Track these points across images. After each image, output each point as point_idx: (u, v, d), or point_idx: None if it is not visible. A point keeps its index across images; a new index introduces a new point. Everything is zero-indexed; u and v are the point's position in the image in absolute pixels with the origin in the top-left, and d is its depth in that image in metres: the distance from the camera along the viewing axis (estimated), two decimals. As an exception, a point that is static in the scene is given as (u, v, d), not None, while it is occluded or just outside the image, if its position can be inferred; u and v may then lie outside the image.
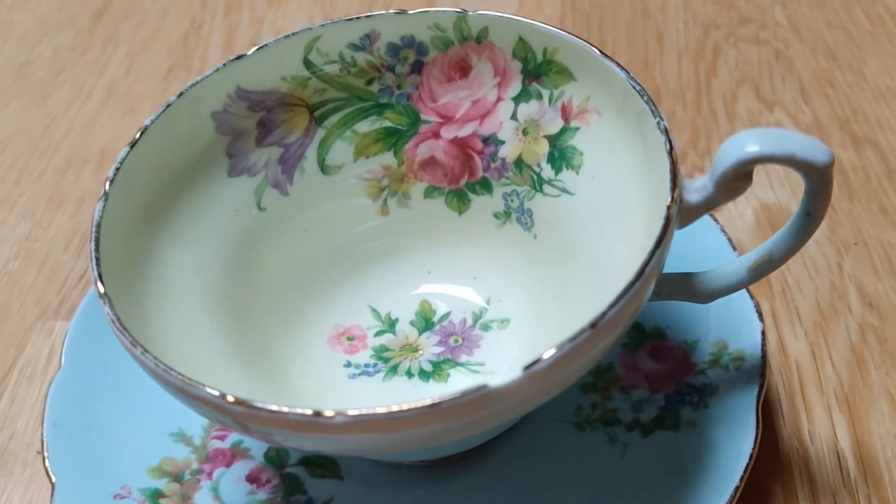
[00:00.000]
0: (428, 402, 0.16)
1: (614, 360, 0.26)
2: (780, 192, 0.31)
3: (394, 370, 0.25)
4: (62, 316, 0.31)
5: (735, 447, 0.22)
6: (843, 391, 0.26)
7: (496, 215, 0.27)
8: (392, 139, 0.27)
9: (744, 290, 0.25)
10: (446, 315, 0.27)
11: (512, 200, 0.26)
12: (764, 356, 0.23)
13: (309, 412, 0.16)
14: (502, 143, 0.26)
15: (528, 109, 0.25)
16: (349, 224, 0.27)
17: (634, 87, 0.22)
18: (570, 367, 0.17)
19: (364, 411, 0.16)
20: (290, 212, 0.26)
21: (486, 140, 0.26)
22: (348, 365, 0.26)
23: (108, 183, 0.21)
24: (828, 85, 0.35)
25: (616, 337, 0.18)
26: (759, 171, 0.32)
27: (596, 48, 0.23)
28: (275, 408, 0.17)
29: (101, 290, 0.19)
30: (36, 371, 0.29)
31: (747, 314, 0.24)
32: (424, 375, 0.25)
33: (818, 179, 0.19)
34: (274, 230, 0.26)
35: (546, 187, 0.25)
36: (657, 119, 0.21)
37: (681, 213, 0.20)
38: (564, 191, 0.25)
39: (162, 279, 0.23)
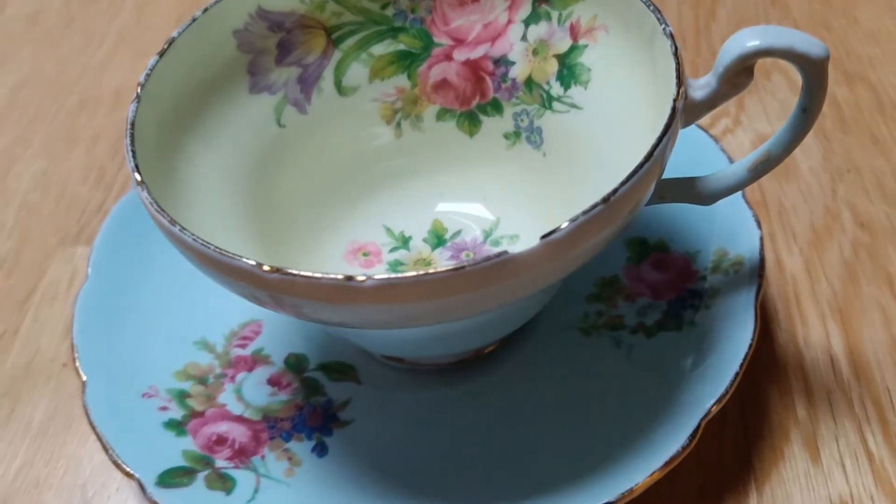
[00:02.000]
0: (453, 266, 0.17)
1: (619, 273, 0.27)
2: (775, 124, 0.33)
3: (408, 282, 0.27)
4: (82, 242, 0.32)
5: (736, 339, 0.23)
6: (836, 302, 0.27)
7: (506, 136, 0.28)
8: (406, 62, 0.28)
9: (743, 203, 0.26)
10: (458, 232, 0.28)
11: (522, 120, 0.27)
12: (762, 259, 0.24)
13: (341, 276, 0.18)
14: (513, 63, 0.27)
15: (537, 30, 0.26)
16: (364, 145, 0.28)
17: (642, 0, 0.23)
18: (583, 240, 0.18)
19: (393, 276, 0.17)
20: (308, 130, 0.27)
21: (497, 61, 0.27)
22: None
23: (139, 87, 0.22)
24: (822, 28, 0.37)
25: (625, 217, 0.19)
26: (755, 104, 0.33)
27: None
28: (309, 274, 0.18)
29: (139, 178, 0.20)
30: (58, 293, 0.30)
31: (746, 223, 0.26)
32: (438, 286, 0.26)
33: (814, 72, 0.20)
34: (293, 147, 0.27)
35: (555, 104, 0.26)
36: (663, 26, 0.22)
37: (686, 111, 0.21)
38: (573, 106, 0.26)
39: (189, 184, 0.24)
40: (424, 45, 0.27)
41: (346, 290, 0.18)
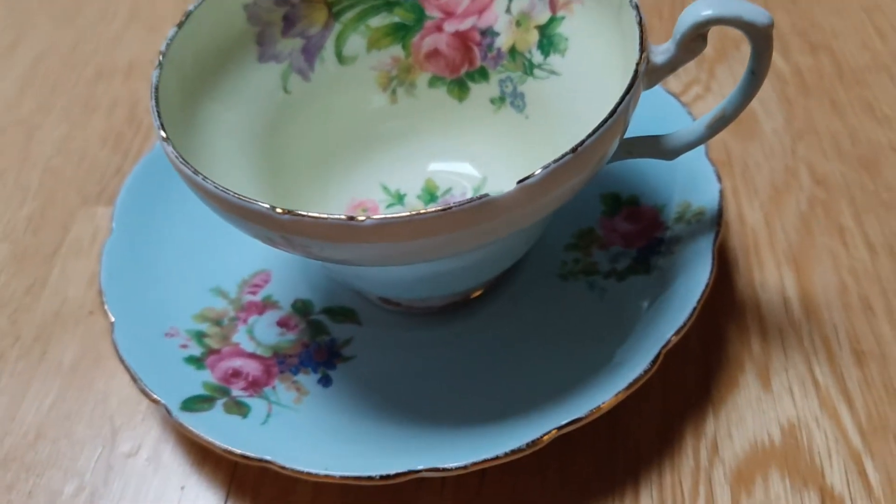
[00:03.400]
0: (441, 207, 0.20)
1: (595, 225, 0.29)
2: None
3: (403, 233, 0.29)
4: (103, 202, 0.34)
5: (695, 279, 0.26)
6: (791, 251, 0.30)
7: (492, 101, 0.30)
8: (401, 33, 0.30)
9: (706, 161, 0.29)
10: (449, 189, 0.30)
11: (506, 86, 0.30)
12: (720, 210, 0.27)
13: (343, 217, 0.20)
14: (498, 34, 0.29)
15: (520, 4, 0.29)
16: (363, 109, 0.30)
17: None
18: (555, 185, 0.21)
19: (388, 215, 0.20)
20: (311, 96, 0.30)
21: (484, 32, 0.30)
22: (363, 231, 0.29)
23: (161, 55, 0.25)
24: (789, 1, 0.39)
25: (593, 166, 0.22)
26: (724, 72, 0.36)
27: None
28: (316, 214, 0.20)
29: (164, 135, 0.23)
30: (82, 248, 0.33)
31: (708, 178, 0.28)
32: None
33: (760, 38, 0.22)
34: (298, 112, 0.29)
35: (536, 71, 0.29)
36: (631, -2, 0.24)
37: (648, 73, 0.23)
38: (552, 72, 0.28)
39: (206, 144, 0.26)
40: (417, 18, 0.30)
41: (348, 228, 0.20)
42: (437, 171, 0.31)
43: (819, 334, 0.28)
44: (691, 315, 0.25)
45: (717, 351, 0.27)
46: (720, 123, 0.25)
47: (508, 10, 0.29)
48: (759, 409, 0.26)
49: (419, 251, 0.21)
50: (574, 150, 0.21)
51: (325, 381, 0.27)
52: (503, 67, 0.30)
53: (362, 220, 0.20)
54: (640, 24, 0.24)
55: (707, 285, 0.25)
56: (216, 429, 0.24)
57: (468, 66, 0.30)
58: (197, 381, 0.26)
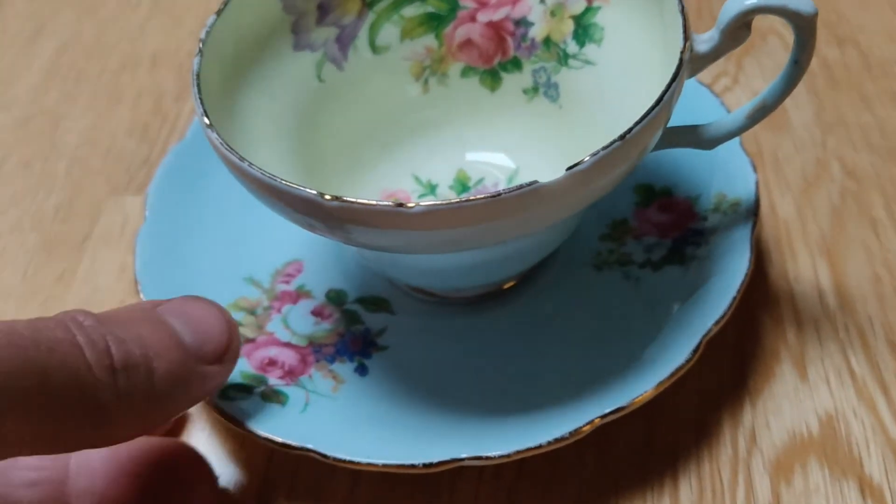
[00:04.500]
0: (491, 193, 0.20)
1: (629, 216, 0.29)
2: (771, 81, 0.35)
3: (437, 223, 0.29)
4: (131, 192, 0.34)
5: (733, 268, 0.26)
6: (824, 243, 0.30)
7: (525, 91, 0.30)
8: (434, 23, 0.30)
9: (741, 152, 0.29)
10: (481, 180, 0.30)
11: (540, 76, 0.30)
12: (757, 200, 0.27)
13: (391, 203, 0.20)
14: (532, 24, 0.29)
15: (555, -7, 0.29)
16: (395, 99, 0.30)
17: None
18: (603, 173, 0.21)
19: (437, 201, 0.20)
20: (345, 85, 0.29)
21: (518, 23, 0.30)
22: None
23: (201, 42, 0.25)
24: None
25: (638, 154, 0.22)
26: (752, 64, 0.36)
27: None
28: (365, 201, 0.20)
29: (207, 121, 0.23)
30: (112, 237, 0.33)
31: (744, 168, 0.28)
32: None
33: (805, 27, 0.22)
34: (331, 100, 0.29)
35: (571, 61, 0.29)
36: (675, -15, 0.24)
37: (692, 61, 0.23)
38: (587, 62, 0.28)
39: (244, 131, 0.26)
40: (451, 8, 0.30)
41: (396, 215, 0.20)
42: (470, 162, 0.31)
43: (854, 325, 0.28)
44: (731, 305, 0.25)
45: (752, 341, 0.27)
46: (760, 113, 0.25)
47: (543, 1, 0.29)
48: (796, 398, 0.26)
49: (465, 239, 0.21)
50: (622, 137, 0.21)
51: (362, 370, 0.27)
52: (537, 57, 0.30)
53: (411, 207, 0.20)
54: (683, 11, 0.24)
55: (746, 275, 0.25)
56: (256, 417, 0.24)
57: (501, 56, 0.30)
58: (234, 371, 0.26)
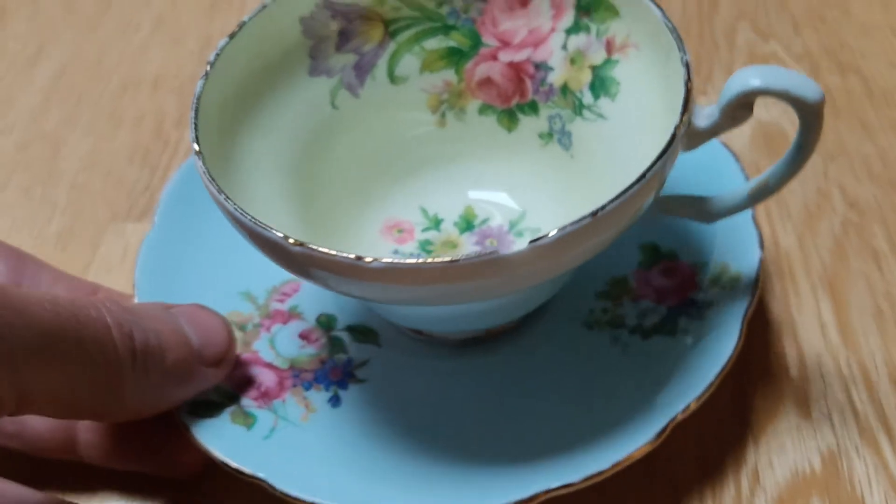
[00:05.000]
0: (448, 258, 0.20)
1: (629, 275, 0.29)
2: (773, 111, 0.35)
3: (434, 261, 0.29)
4: (132, 219, 0.34)
5: (718, 350, 0.25)
6: (826, 275, 0.30)
7: (541, 135, 0.30)
8: (455, 58, 0.30)
9: (751, 224, 0.28)
10: (486, 220, 0.30)
11: (555, 123, 0.29)
12: (757, 279, 0.26)
13: (352, 256, 0.20)
14: (552, 69, 0.29)
15: (577, 41, 0.28)
16: (409, 130, 0.30)
17: (667, 25, 0.24)
18: (571, 248, 0.20)
19: (395, 260, 0.20)
20: (359, 112, 0.29)
21: (538, 66, 0.29)
22: (395, 252, 0.29)
23: (209, 66, 0.25)
24: (818, 20, 0.39)
25: (614, 231, 0.21)
26: None
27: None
28: (325, 250, 0.20)
29: (197, 148, 0.23)
30: (113, 265, 0.33)
31: (750, 242, 0.27)
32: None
33: (809, 114, 0.21)
34: (343, 127, 0.29)
35: (585, 112, 0.28)
36: (682, 54, 0.23)
37: (690, 136, 0.23)
38: (600, 115, 0.28)
39: (247, 155, 0.27)
40: (473, 44, 0.30)
41: (355, 268, 0.20)
42: (478, 200, 0.30)
43: (856, 360, 0.27)
44: (708, 388, 0.24)
45: (754, 376, 0.27)
46: (762, 194, 0.24)
47: (565, 47, 0.28)
48: (798, 436, 0.26)
49: (425, 297, 0.21)
50: (594, 213, 0.20)
51: (335, 401, 0.27)
52: (553, 103, 0.29)
53: (369, 262, 0.20)
54: (687, 83, 0.23)
55: (730, 359, 0.24)
56: (219, 437, 0.25)
57: (519, 97, 0.30)
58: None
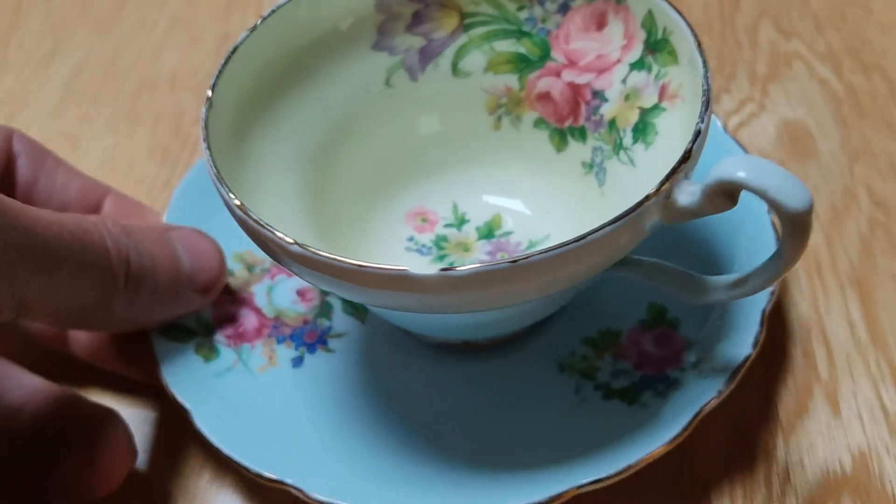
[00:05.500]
0: (357, 263, 0.20)
1: (624, 332, 0.27)
2: (797, 109, 0.35)
3: (441, 258, 0.29)
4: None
5: (656, 439, 0.23)
6: (854, 274, 0.29)
7: (583, 164, 0.28)
8: (521, 65, 0.29)
9: (759, 314, 0.25)
10: (509, 233, 0.29)
11: (597, 155, 0.28)
12: (734, 373, 0.24)
13: (329, 255, 0.20)
14: (606, 101, 0.27)
15: (637, 78, 0.27)
16: (461, 125, 0.30)
17: (703, 85, 0.22)
18: (484, 287, 0.20)
19: (311, 251, 0.20)
20: (414, 95, 0.29)
21: (596, 93, 0.28)
22: (410, 239, 0.29)
23: (253, 29, 0.26)
24: (839, 19, 0.38)
25: (544, 283, 0.20)
26: (777, 89, 0.36)
27: (698, 39, 0.24)
28: (313, 250, 0.20)
29: (206, 145, 0.23)
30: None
31: (747, 335, 0.25)
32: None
33: (788, 222, 0.19)
34: (393, 107, 0.29)
35: (621, 153, 0.27)
36: (698, 121, 0.22)
37: (668, 209, 0.21)
38: (631, 161, 0.26)
39: (280, 128, 0.27)
40: (542, 56, 0.29)
41: (333, 267, 0.20)
42: (508, 210, 0.30)
43: (885, 359, 0.27)
44: (614, 475, 0.23)
45: (783, 376, 0.27)
46: (741, 291, 0.22)
47: (625, 81, 0.27)
48: (829, 435, 0.26)
49: (382, 300, 0.21)
50: (513, 261, 0.20)
51: (298, 362, 0.28)
52: (599, 136, 0.28)
53: (290, 244, 0.21)
54: (687, 151, 0.21)
55: (652, 453, 0.23)
56: (173, 362, 0.27)
57: (573, 120, 0.29)
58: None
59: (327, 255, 0.20)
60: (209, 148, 0.23)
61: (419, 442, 0.25)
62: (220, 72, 0.24)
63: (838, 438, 0.25)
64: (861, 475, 0.25)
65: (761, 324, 0.25)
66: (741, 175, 0.19)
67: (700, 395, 0.24)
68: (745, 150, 0.29)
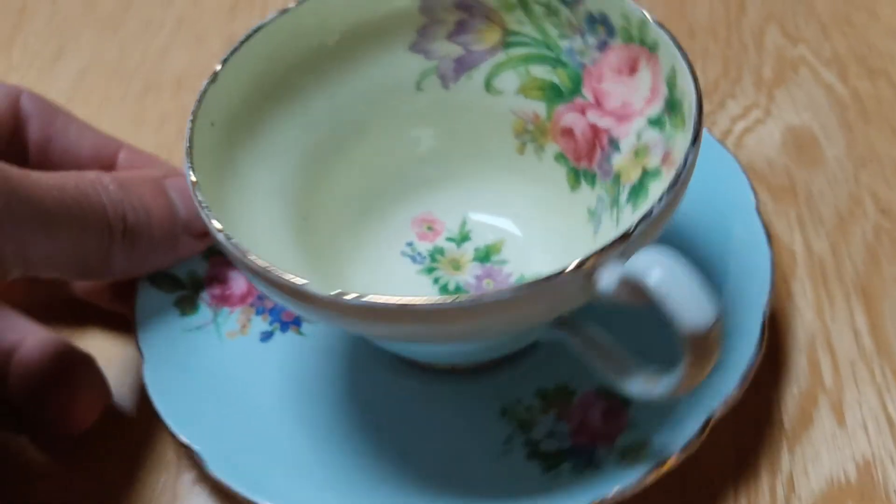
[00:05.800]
0: (297, 281, 0.20)
1: (579, 394, 0.26)
2: (803, 115, 0.35)
3: (430, 271, 0.29)
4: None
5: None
6: (859, 282, 0.29)
7: (589, 211, 0.27)
8: (552, 94, 0.28)
9: (702, 421, 0.23)
10: (504, 262, 0.28)
11: (599, 204, 0.26)
12: (643, 477, 0.22)
13: (297, 281, 0.20)
14: (619, 151, 0.26)
15: (650, 135, 0.25)
16: (487, 141, 0.29)
17: (686, 158, 0.21)
18: (373, 320, 0.20)
19: (265, 266, 0.21)
20: (443, 102, 0.29)
21: (611, 141, 0.26)
22: (409, 244, 0.29)
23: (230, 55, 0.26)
24: (845, 23, 0.38)
25: (465, 329, 0.20)
26: (783, 95, 0.35)
27: (700, 110, 0.22)
28: (280, 274, 0.20)
29: (190, 165, 0.23)
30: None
31: (679, 435, 0.23)
32: (443, 290, 0.28)
33: (683, 339, 0.17)
34: (421, 112, 0.29)
35: (614, 210, 0.25)
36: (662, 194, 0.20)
37: (590, 290, 0.20)
38: (616, 222, 0.25)
39: (297, 119, 0.28)
40: (573, 89, 0.27)
41: (299, 293, 0.21)
42: (513, 238, 0.29)
43: (891, 368, 0.27)
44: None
45: (788, 384, 0.27)
46: (648, 397, 0.20)
47: (640, 135, 0.25)
48: (833, 445, 0.26)
49: (350, 324, 0.22)
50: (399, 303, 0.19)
51: (266, 337, 0.28)
52: (604, 186, 0.26)
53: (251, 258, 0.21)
54: (634, 225, 0.20)
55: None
56: (150, 310, 0.28)
57: (587, 162, 0.27)
58: (193, 267, 0.29)
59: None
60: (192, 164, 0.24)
61: (369, 442, 0.25)
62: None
63: (843, 447, 0.25)
64: (866, 484, 0.24)
65: (703, 432, 0.23)
66: (649, 282, 0.17)
67: (605, 483, 0.22)
68: (741, 167, 0.29)
